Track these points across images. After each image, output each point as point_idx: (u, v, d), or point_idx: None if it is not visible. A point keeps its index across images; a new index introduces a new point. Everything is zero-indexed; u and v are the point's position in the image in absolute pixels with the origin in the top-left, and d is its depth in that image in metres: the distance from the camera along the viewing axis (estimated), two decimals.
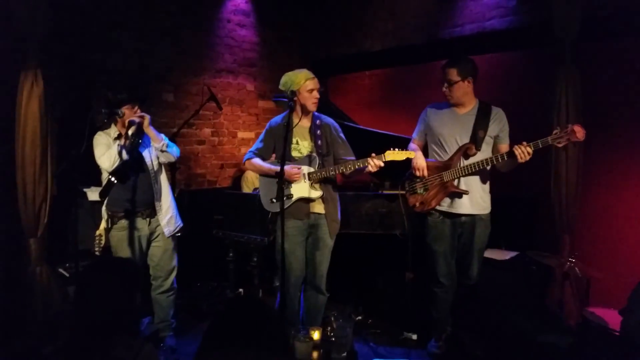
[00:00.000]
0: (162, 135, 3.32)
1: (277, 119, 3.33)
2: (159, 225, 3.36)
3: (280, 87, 3.20)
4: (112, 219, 3.25)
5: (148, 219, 3.32)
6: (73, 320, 1.85)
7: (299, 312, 3.36)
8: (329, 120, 3.33)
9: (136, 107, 3.22)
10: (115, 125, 3.26)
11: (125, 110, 3.16)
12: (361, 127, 4.34)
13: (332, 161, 3.22)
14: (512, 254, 3.79)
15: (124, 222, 3.24)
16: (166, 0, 4.72)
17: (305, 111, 3.18)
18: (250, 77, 5.58)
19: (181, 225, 3.50)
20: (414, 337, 3.59)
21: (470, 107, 3.19)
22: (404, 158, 3.02)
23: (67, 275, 3.54)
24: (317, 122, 3.25)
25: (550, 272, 3.59)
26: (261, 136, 3.33)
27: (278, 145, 3.21)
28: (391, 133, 4.14)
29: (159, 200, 3.35)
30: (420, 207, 3.23)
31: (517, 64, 4.51)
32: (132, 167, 3.21)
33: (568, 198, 3.59)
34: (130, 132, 3.11)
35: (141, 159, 3.29)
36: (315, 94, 3.13)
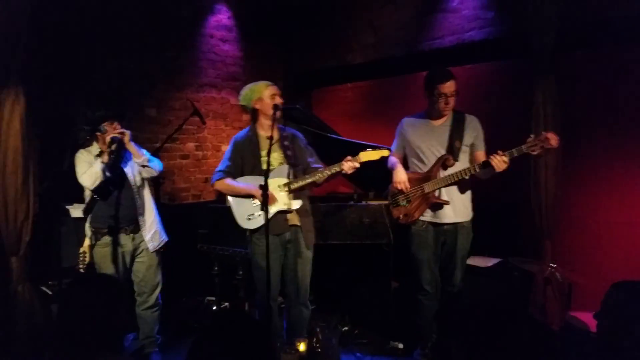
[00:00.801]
0: (144, 151, 3.33)
1: (241, 133, 3.25)
2: (142, 240, 3.35)
3: (241, 101, 3.16)
4: (96, 235, 3.23)
5: (132, 235, 3.31)
6: (56, 338, 1.84)
7: (282, 325, 3.35)
8: (293, 130, 3.31)
9: (115, 124, 3.22)
10: (97, 142, 3.26)
11: (106, 127, 3.17)
12: (344, 138, 4.38)
13: (303, 171, 3.18)
14: (495, 260, 3.85)
15: (107, 239, 3.23)
16: (148, 16, 4.74)
17: (268, 120, 3.11)
18: (233, 91, 5.60)
19: (166, 240, 3.49)
20: (400, 346, 3.61)
21: (445, 117, 3.24)
22: (379, 157, 3.03)
23: (50, 293, 3.49)
24: (283, 133, 3.20)
25: (532, 277, 3.65)
26: (228, 154, 3.21)
27: (246, 160, 3.15)
28: (373, 144, 4.17)
29: (143, 215, 3.34)
30: (404, 219, 3.26)
31: (496, 75, 4.59)
32: (114, 183, 3.20)
33: (548, 205, 3.65)
34: (110, 149, 3.11)
35: (123, 175, 3.28)
36: (278, 100, 3.09)
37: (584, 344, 2.68)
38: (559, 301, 3.59)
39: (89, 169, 3.13)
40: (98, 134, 3.20)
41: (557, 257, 3.51)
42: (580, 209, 3.98)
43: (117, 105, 3.39)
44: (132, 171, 3.33)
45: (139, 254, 3.37)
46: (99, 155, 3.19)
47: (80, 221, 3.41)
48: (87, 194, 3.24)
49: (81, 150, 3.25)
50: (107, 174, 3.11)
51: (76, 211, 3.58)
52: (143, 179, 3.39)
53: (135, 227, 3.32)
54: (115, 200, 3.21)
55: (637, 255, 3.65)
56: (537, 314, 3.55)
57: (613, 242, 3.81)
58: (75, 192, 3.32)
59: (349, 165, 2.98)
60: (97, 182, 3.10)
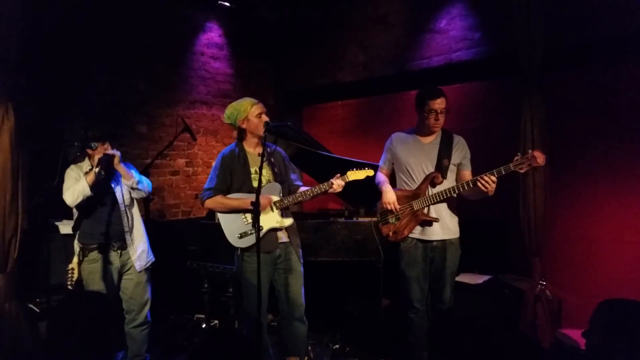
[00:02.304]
0: (133, 171, 3.33)
1: (228, 150, 3.22)
2: (130, 257, 3.33)
3: (225, 120, 3.16)
4: (84, 252, 3.21)
5: (119, 251, 3.29)
6: (45, 357, 1.81)
7: (268, 342, 3.32)
8: (277, 147, 3.31)
9: (107, 145, 3.24)
10: (89, 159, 3.26)
11: (97, 144, 3.19)
12: (333, 154, 4.41)
13: (288, 188, 3.21)
14: (486, 277, 3.86)
15: (95, 255, 3.21)
16: (140, 33, 4.77)
17: (256, 137, 3.13)
18: (224, 108, 5.57)
19: (153, 260, 3.47)
20: None
21: (434, 136, 3.28)
22: (364, 177, 3.09)
23: (38, 310, 3.45)
24: (268, 150, 3.18)
25: (523, 295, 3.67)
26: (216, 170, 3.16)
27: (235, 177, 3.13)
28: (361, 161, 4.20)
29: (131, 233, 3.34)
30: (394, 237, 3.27)
31: (483, 94, 4.66)
32: (102, 201, 3.21)
33: (537, 222, 3.69)
34: (98, 169, 3.11)
35: (112, 192, 3.29)
36: (264, 118, 3.08)
37: None
38: (549, 318, 3.61)
39: (73, 185, 3.12)
40: (89, 150, 3.21)
41: (546, 274, 3.54)
42: (569, 227, 4.02)
43: (109, 124, 3.39)
44: (121, 189, 3.33)
45: (126, 271, 3.34)
46: (88, 173, 3.19)
47: (69, 238, 3.39)
48: (75, 211, 3.23)
49: (72, 166, 3.25)
50: (91, 192, 3.10)
51: (65, 227, 3.56)
52: (132, 198, 3.39)
53: (122, 244, 3.30)
54: (104, 217, 3.22)
55: (625, 272, 3.70)
56: (528, 331, 3.56)
57: (601, 260, 3.85)
58: (64, 208, 3.29)
59: (338, 184, 3.02)
60: (79, 200, 3.10)
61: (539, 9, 3.60)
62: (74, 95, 4.26)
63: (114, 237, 3.26)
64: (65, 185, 3.16)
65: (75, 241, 3.25)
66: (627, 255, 3.71)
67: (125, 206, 3.32)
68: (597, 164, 3.89)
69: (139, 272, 3.35)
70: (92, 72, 4.41)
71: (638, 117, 3.67)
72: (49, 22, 4.05)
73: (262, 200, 2.91)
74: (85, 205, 3.19)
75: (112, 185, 3.31)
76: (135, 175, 3.32)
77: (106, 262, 3.24)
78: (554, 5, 3.76)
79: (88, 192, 3.10)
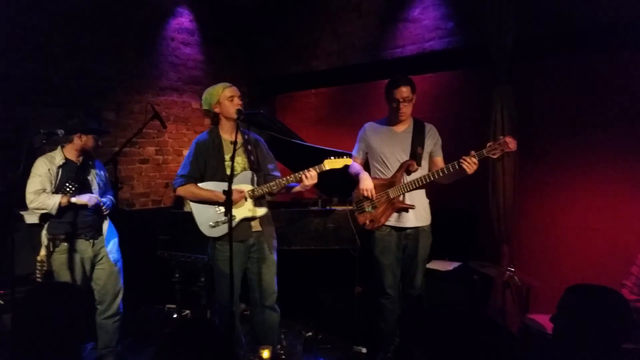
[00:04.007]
0: (109, 197, 3.36)
1: (203, 136, 3.16)
2: (103, 246, 3.27)
3: (203, 106, 3.11)
4: (54, 242, 3.12)
5: (92, 241, 3.22)
6: (10, 349, 1.76)
7: (241, 331, 3.31)
8: (255, 135, 3.28)
9: (86, 137, 3.20)
10: (62, 148, 3.18)
11: (83, 137, 3.16)
12: (308, 144, 4.39)
13: (264, 177, 3.16)
14: (456, 264, 3.93)
15: (65, 245, 3.13)
16: (108, 17, 4.64)
17: (230, 122, 3.08)
18: (195, 95, 5.52)
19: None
20: (364, 350, 3.63)
21: (407, 125, 3.32)
22: (342, 165, 3.07)
23: (2, 302, 3.35)
24: (246, 137, 3.15)
25: (492, 281, 3.74)
26: (190, 157, 3.10)
27: (209, 164, 3.08)
28: (337, 150, 4.20)
29: (107, 220, 3.33)
30: (371, 225, 3.29)
31: (456, 83, 4.70)
32: (76, 192, 3.15)
33: (506, 210, 3.77)
34: (75, 200, 3.09)
35: (86, 182, 3.23)
36: (237, 101, 3.04)
37: (541, 346, 2.76)
38: (517, 304, 3.70)
39: (39, 196, 3.03)
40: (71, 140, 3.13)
41: (515, 260, 3.62)
42: (537, 214, 4.11)
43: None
44: (97, 182, 3.29)
45: (99, 260, 3.28)
46: (63, 165, 3.11)
47: (35, 227, 3.30)
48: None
49: (42, 158, 3.14)
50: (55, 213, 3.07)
51: (31, 217, 3.46)
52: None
53: (95, 233, 3.24)
54: (77, 207, 3.14)
55: (592, 258, 3.80)
56: (497, 316, 3.65)
57: (569, 246, 3.94)
58: None
59: (313, 174, 2.99)
60: (39, 212, 3.07)
61: (511, 0, 3.65)
62: (39, 80, 4.11)
63: (86, 226, 3.19)
64: (32, 181, 3.06)
65: (44, 232, 3.15)
66: (593, 242, 3.82)
67: (101, 194, 3.28)
68: (566, 153, 3.97)
69: (113, 261, 3.31)
70: (58, 56, 4.26)
71: (606, 107, 3.76)
72: (12, 5, 3.90)
73: (235, 194, 2.88)
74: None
75: (88, 177, 3.25)
76: (108, 200, 3.33)
77: (79, 252, 3.18)
78: None
79: (54, 212, 3.05)
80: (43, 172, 3.08)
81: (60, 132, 3.03)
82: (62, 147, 3.20)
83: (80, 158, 3.24)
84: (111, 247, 3.33)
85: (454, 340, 1.64)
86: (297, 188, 3.16)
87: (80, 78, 4.44)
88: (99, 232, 3.26)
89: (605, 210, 3.79)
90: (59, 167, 3.13)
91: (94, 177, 3.29)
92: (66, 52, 4.33)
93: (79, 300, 1.83)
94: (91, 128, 3.21)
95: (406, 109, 3.21)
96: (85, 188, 3.21)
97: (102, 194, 3.30)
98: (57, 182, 3.12)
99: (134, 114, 4.92)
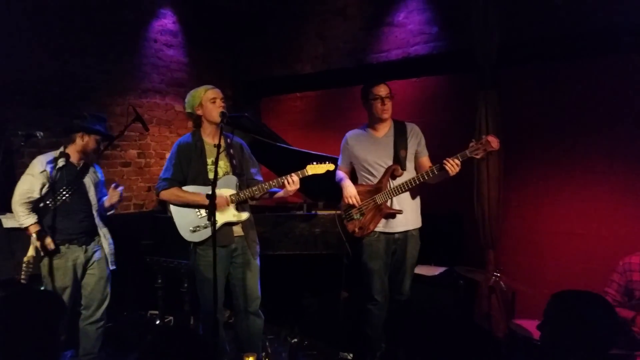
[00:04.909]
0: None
1: (185, 138, 3.12)
2: (95, 252, 3.26)
3: (186, 109, 3.08)
4: (45, 248, 3.05)
5: (84, 247, 3.19)
6: None
7: (225, 339, 3.26)
8: (238, 139, 3.25)
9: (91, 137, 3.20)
10: (64, 149, 3.15)
11: (85, 137, 3.13)
12: (293, 147, 4.35)
13: (246, 181, 3.12)
14: (442, 269, 3.92)
15: (62, 250, 3.10)
16: (89, 18, 4.55)
17: (213, 125, 3.04)
18: (178, 97, 5.45)
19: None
20: (350, 356, 3.59)
21: (387, 128, 3.30)
22: (324, 171, 3.07)
23: None
24: (228, 140, 3.11)
25: (477, 286, 3.74)
26: (172, 160, 3.06)
27: (191, 167, 3.03)
28: (321, 154, 4.17)
29: (104, 227, 3.32)
30: (360, 232, 3.25)
31: (440, 88, 4.71)
32: (72, 197, 3.13)
33: (491, 215, 3.78)
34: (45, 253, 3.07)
35: (82, 188, 3.19)
36: (219, 103, 3.01)
37: (527, 351, 2.76)
38: (503, 309, 3.70)
39: (22, 207, 3.01)
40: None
41: (500, 266, 3.62)
42: (522, 220, 4.12)
43: (55, 113, 3.29)
44: (94, 188, 3.27)
45: (90, 265, 3.25)
46: (62, 167, 3.07)
47: (14, 231, 3.23)
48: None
49: (41, 157, 3.11)
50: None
51: (9, 221, 3.39)
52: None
53: (87, 239, 3.21)
54: (73, 212, 3.14)
55: (577, 264, 3.83)
56: (483, 321, 3.64)
57: (554, 252, 3.96)
58: (8, 200, 3.11)
59: (295, 179, 2.97)
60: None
61: (495, 5, 3.68)
62: (19, 81, 4.02)
63: (80, 232, 3.16)
64: (24, 179, 3.03)
65: (34, 235, 3.05)
66: (578, 247, 3.84)
67: (96, 202, 3.27)
68: (550, 158, 4.00)
69: (104, 265, 3.30)
70: (39, 57, 4.17)
71: (589, 111, 3.79)
72: None
73: (218, 200, 2.85)
74: (52, 202, 3.07)
75: (85, 183, 3.22)
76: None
77: (72, 258, 3.14)
78: (509, 1, 3.84)
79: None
80: (36, 172, 3.04)
81: (40, 134, 2.98)
82: (65, 147, 3.16)
83: (81, 162, 3.21)
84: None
85: (440, 346, 1.62)
86: (280, 193, 3.14)
87: (61, 79, 4.35)
88: (91, 238, 3.24)
89: (590, 215, 3.82)
90: (59, 168, 3.07)
91: (92, 183, 3.26)
92: (47, 53, 4.23)
93: (54, 306, 1.79)
94: (93, 129, 3.17)
95: (389, 106, 3.21)
96: (80, 194, 3.17)
97: (99, 199, 3.32)
98: (54, 184, 3.07)
99: (116, 116, 4.83)
